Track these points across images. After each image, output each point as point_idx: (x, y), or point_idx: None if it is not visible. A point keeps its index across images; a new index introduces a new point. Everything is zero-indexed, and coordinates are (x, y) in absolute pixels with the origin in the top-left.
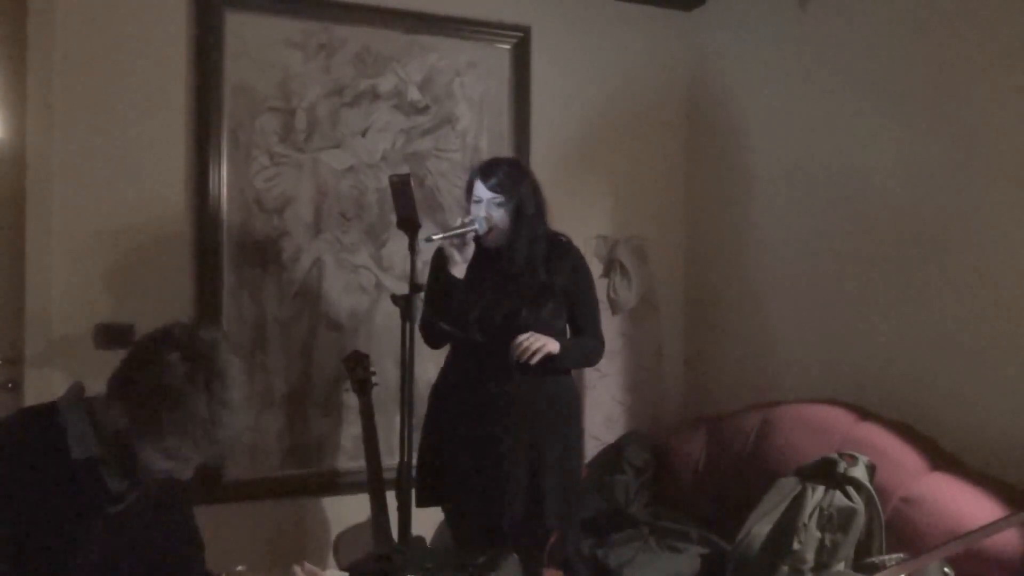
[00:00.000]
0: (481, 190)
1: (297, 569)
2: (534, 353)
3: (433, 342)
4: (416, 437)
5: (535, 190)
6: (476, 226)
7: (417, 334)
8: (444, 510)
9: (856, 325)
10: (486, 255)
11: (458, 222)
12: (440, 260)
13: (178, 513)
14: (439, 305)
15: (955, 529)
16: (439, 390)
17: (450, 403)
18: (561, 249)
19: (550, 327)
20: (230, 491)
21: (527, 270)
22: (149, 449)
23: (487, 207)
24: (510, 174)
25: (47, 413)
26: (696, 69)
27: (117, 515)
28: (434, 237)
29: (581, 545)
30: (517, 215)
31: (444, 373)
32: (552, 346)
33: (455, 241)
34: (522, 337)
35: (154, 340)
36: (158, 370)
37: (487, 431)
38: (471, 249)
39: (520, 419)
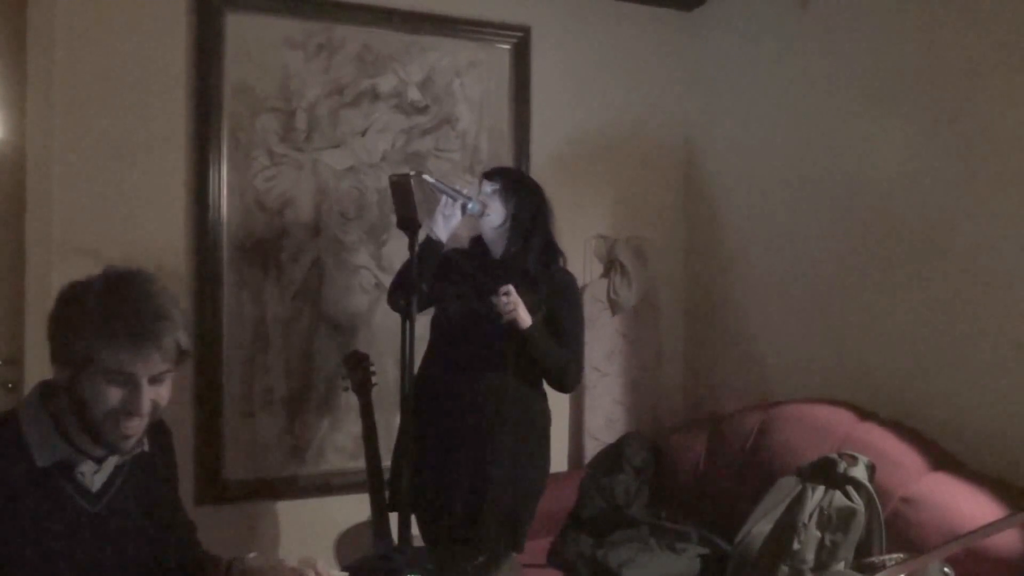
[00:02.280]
0: (484, 185)
1: (309, 571)
2: (509, 312)
3: (392, 296)
4: None
5: (536, 197)
6: (471, 201)
7: (418, 334)
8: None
9: (856, 325)
10: (478, 250)
11: (459, 186)
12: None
13: (164, 500)
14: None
15: (955, 529)
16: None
17: (420, 400)
18: (556, 266)
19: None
20: (230, 491)
21: (513, 264)
22: (84, 385)
23: (486, 200)
24: (512, 175)
25: (6, 422)
26: (696, 69)
27: (100, 513)
28: (426, 176)
29: (581, 545)
30: (515, 211)
31: (417, 379)
32: (525, 316)
33: (444, 202)
34: (508, 288)
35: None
36: (60, 300)
37: (443, 429)
38: (456, 220)
39: (473, 421)
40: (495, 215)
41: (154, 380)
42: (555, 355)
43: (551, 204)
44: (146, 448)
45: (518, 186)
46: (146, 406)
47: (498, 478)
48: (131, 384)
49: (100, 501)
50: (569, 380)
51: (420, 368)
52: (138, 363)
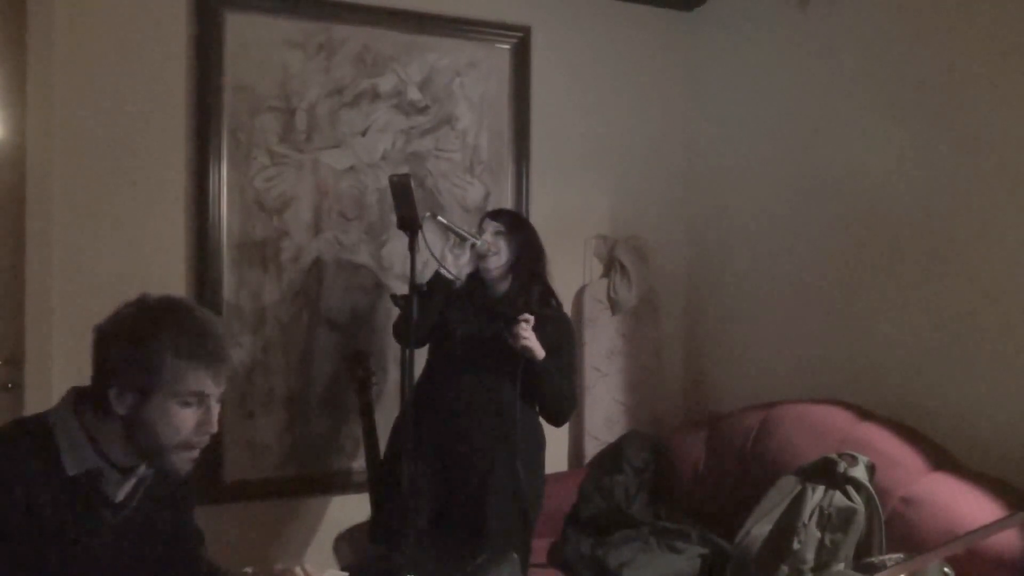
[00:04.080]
0: (487, 224)
1: (298, 570)
2: (525, 339)
3: (397, 329)
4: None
5: (535, 240)
6: (478, 240)
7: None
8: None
9: (856, 325)
10: (477, 287)
11: (466, 228)
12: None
13: (178, 510)
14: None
15: (955, 529)
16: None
17: (422, 411)
18: (552, 308)
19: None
20: (230, 491)
21: (517, 302)
22: (150, 412)
23: (491, 236)
24: (516, 217)
25: (39, 428)
26: (696, 69)
27: (120, 524)
28: (439, 217)
29: (581, 545)
30: (517, 253)
31: (419, 383)
32: (539, 349)
33: (453, 241)
34: (528, 316)
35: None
36: (119, 327)
37: (446, 443)
38: (465, 259)
39: (473, 435)
40: (501, 255)
41: (218, 400)
42: (558, 389)
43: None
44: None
45: (521, 227)
46: (216, 425)
47: (502, 487)
48: (203, 405)
49: (121, 512)
50: (563, 416)
51: (419, 383)
52: (213, 382)
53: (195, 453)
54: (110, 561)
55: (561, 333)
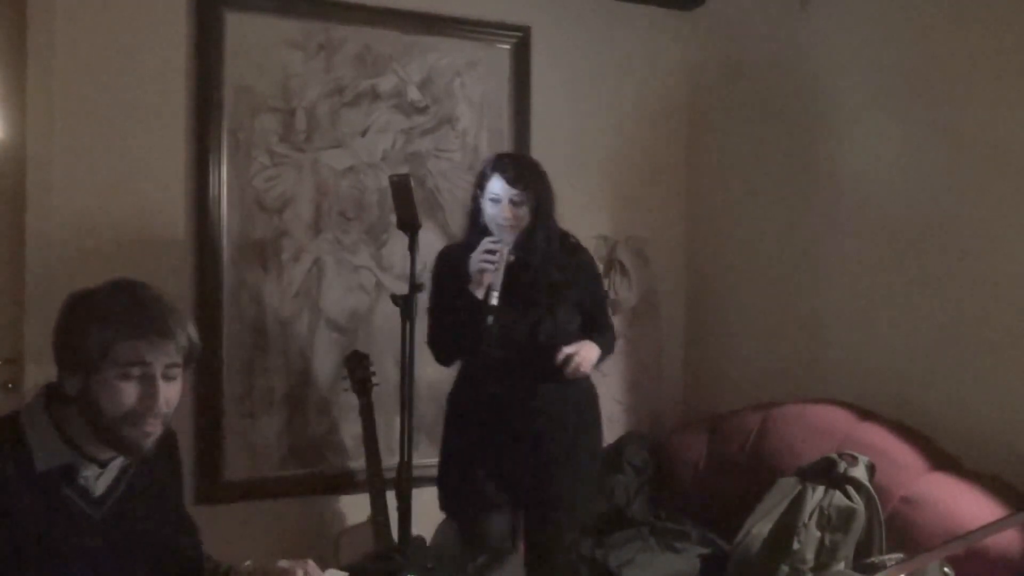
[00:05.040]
0: (499, 186)
1: (300, 572)
2: (584, 370)
3: (445, 360)
4: (416, 438)
5: (547, 185)
6: (508, 252)
7: (417, 334)
8: (460, 519)
9: (856, 325)
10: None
11: (485, 262)
12: (443, 268)
13: (166, 500)
14: (452, 320)
15: (955, 529)
16: (457, 400)
17: (472, 414)
18: (571, 249)
19: (567, 332)
20: (230, 491)
21: (542, 273)
22: (97, 389)
23: (509, 208)
24: (531, 168)
25: (9, 427)
26: (696, 69)
27: (104, 518)
28: (494, 296)
29: (581, 545)
30: (537, 213)
31: (461, 384)
32: (595, 354)
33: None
34: (569, 350)
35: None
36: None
37: (513, 442)
38: (501, 274)
39: (549, 428)
40: (521, 221)
41: (166, 376)
42: (610, 349)
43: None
44: (151, 451)
45: (534, 180)
46: (162, 400)
47: (572, 468)
48: (146, 379)
49: (103, 506)
50: (613, 350)
51: (459, 386)
52: (153, 353)
53: (149, 428)
54: (100, 558)
55: (585, 270)
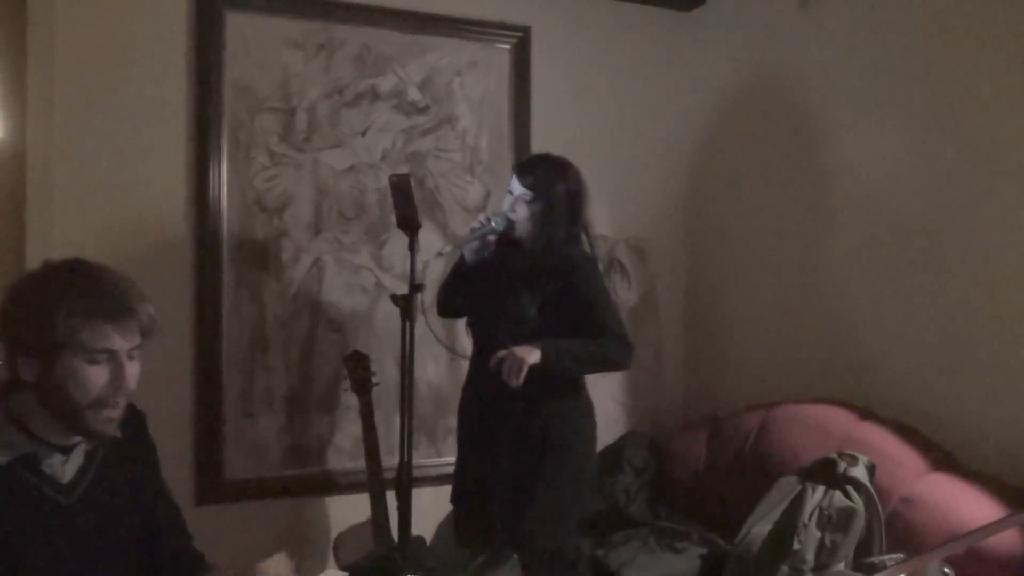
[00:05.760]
0: (515, 184)
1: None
2: (519, 373)
3: (439, 307)
4: (416, 438)
5: (571, 194)
6: (493, 224)
7: (418, 334)
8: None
9: (856, 325)
10: (506, 246)
11: (475, 223)
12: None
13: (146, 486)
14: (455, 284)
15: (955, 529)
16: (461, 404)
17: (465, 418)
18: (567, 250)
19: (524, 316)
20: (230, 491)
21: (522, 256)
22: (59, 374)
23: (515, 202)
24: (547, 173)
25: None
26: (696, 69)
27: (74, 504)
28: (444, 251)
29: (581, 545)
30: (544, 215)
31: (464, 387)
32: (532, 357)
33: (475, 243)
34: (501, 355)
35: None
36: (12, 295)
37: (488, 448)
38: (486, 247)
39: (512, 449)
40: (523, 221)
41: (131, 356)
42: (587, 356)
43: (583, 186)
44: (118, 434)
45: (551, 184)
46: (132, 381)
47: (536, 490)
48: (113, 361)
49: (73, 492)
50: (618, 360)
51: (463, 388)
52: (120, 336)
53: (114, 413)
54: (72, 543)
55: (572, 273)
